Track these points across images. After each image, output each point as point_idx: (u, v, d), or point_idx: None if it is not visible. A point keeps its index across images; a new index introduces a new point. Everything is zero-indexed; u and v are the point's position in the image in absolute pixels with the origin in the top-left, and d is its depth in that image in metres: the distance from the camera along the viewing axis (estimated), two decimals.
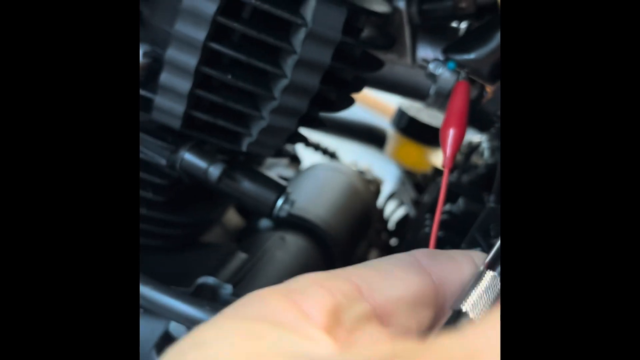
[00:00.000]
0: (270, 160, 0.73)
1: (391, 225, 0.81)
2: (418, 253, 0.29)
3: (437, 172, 0.83)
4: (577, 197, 0.21)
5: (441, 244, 0.51)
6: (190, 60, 0.39)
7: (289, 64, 0.40)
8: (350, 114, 0.67)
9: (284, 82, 0.40)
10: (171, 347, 0.21)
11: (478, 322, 0.25)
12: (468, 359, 0.15)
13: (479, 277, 0.27)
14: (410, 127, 0.84)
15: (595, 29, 0.22)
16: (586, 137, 0.21)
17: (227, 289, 0.44)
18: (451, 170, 0.49)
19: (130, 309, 0.23)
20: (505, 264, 0.22)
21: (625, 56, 0.21)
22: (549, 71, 0.22)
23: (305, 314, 0.23)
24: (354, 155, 0.93)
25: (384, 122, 0.96)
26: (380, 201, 0.81)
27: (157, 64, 0.41)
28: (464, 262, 0.29)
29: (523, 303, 0.20)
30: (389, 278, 0.27)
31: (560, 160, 0.22)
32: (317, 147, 0.84)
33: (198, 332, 0.22)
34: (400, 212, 0.83)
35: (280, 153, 0.49)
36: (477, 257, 0.29)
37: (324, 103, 0.45)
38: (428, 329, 0.28)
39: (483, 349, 0.16)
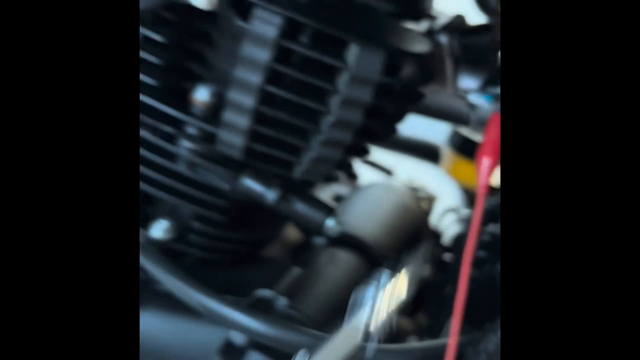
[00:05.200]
0: None
1: (447, 241, 0.84)
2: None
3: (492, 190, 0.85)
4: (577, 198, 0.21)
5: (481, 264, 0.54)
6: (249, 101, 0.45)
7: (334, 102, 0.45)
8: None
9: (330, 119, 0.45)
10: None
11: None
12: None
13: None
14: (464, 146, 0.87)
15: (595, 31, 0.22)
16: (588, 137, 0.22)
17: (282, 301, 0.49)
18: (490, 194, 0.52)
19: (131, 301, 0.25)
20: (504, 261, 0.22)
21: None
22: (549, 73, 0.23)
23: None
24: (416, 172, 0.96)
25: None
26: (435, 217, 0.84)
27: (220, 101, 0.48)
28: None
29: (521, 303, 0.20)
30: None
31: (561, 162, 0.22)
32: (373, 164, 0.89)
33: None
34: (457, 229, 0.85)
35: (330, 178, 0.54)
36: None
37: (368, 134, 0.50)
38: None
39: None
